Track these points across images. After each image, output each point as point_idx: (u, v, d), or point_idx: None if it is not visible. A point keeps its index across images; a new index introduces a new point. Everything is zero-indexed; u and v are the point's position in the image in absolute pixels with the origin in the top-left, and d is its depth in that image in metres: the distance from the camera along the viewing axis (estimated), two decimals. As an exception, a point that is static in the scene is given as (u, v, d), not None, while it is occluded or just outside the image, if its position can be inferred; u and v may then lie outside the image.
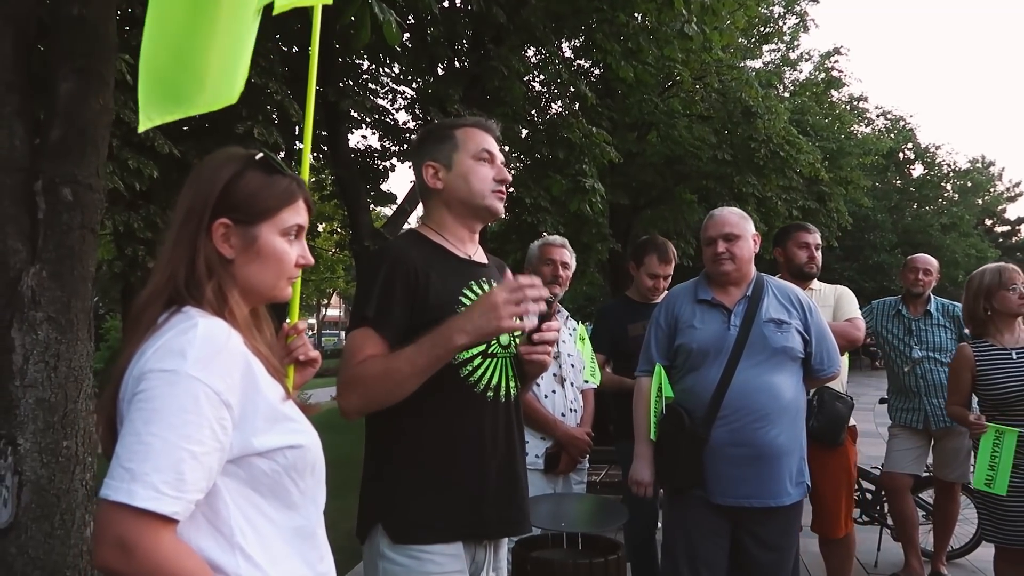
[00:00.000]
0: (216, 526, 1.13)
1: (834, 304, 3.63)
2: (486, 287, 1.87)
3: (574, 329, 3.46)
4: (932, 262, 4.49)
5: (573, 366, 3.34)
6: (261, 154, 1.27)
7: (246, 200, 1.23)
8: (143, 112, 1.65)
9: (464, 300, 1.80)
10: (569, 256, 3.43)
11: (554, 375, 3.23)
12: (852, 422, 3.53)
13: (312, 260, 1.34)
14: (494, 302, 1.59)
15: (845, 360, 3.67)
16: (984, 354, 3.30)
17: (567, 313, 3.54)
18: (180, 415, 1.05)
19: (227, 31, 1.66)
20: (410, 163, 2.05)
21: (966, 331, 4.23)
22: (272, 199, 1.25)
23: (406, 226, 8.37)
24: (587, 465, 3.46)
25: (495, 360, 1.83)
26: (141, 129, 1.67)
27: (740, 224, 2.84)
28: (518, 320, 1.61)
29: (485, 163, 1.88)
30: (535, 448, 3.13)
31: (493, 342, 1.84)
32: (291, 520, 1.21)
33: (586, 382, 3.42)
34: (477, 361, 1.79)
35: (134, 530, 1.02)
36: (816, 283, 3.75)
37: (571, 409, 3.26)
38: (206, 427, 1.07)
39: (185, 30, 1.66)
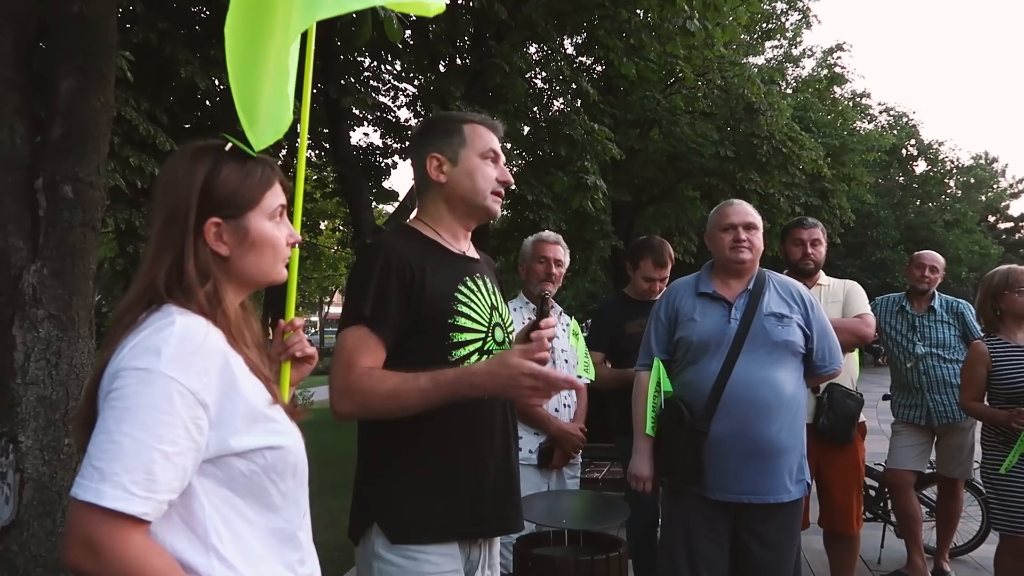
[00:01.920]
0: (191, 526, 1.11)
1: (843, 299, 3.61)
2: (480, 283, 1.86)
3: (567, 324, 3.45)
4: (939, 259, 4.48)
5: (567, 361, 3.33)
6: (230, 144, 1.26)
7: (230, 194, 1.22)
8: (251, 134, 1.63)
9: (459, 296, 1.78)
10: (563, 253, 3.42)
11: None
12: (861, 418, 3.52)
13: (300, 237, 1.34)
14: (521, 378, 1.56)
15: (856, 357, 3.65)
16: (998, 350, 3.36)
17: (560, 308, 3.53)
18: (153, 414, 1.04)
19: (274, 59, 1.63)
20: (409, 152, 2.00)
21: (975, 327, 4.24)
22: (254, 187, 1.24)
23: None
24: (579, 460, 3.46)
25: (490, 357, 1.82)
26: (258, 148, 1.59)
27: (757, 216, 2.87)
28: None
29: (490, 163, 1.86)
30: (528, 443, 3.13)
31: (489, 339, 1.83)
32: (270, 522, 1.19)
33: (579, 377, 3.42)
34: (474, 358, 1.78)
35: (102, 530, 1.00)
36: (825, 278, 3.74)
37: (565, 405, 3.26)
38: (180, 427, 1.05)
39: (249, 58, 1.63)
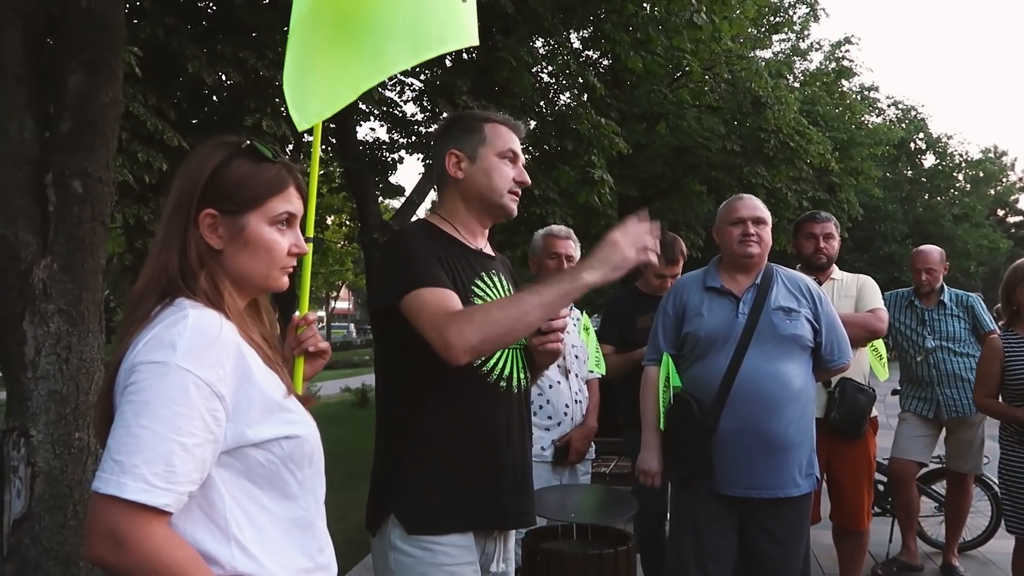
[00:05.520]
0: (211, 517, 1.12)
1: (856, 294, 3.60)
2: (495, 279, 1.88)
3: (578, 319, 3.45)
4: (932, 259, 4.35)
5: (577, 356, 3.33)
6: (248, 141, 1.26)
7: (232, 189, 1.21)
8: (296, 113, 1.67)
9: (476, 290, 1.80)
10: (574, 247, 3.41)
11: (558, 366, 3.22)
12: (872, 413, 3.51)
13: (306, 248, 1.32)
14: (614, 239, 1.66)
15: (868, 352, 3.64)
16: (1012, 345, 3.32)
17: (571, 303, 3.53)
18: (170, 407, 1.05)
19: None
20: (429, 151, 2.06)
21: (985, 319, 4.22)
22: (259, 187, 1.23)
23: (414, 218, 8.36)
24: (593, 456, 3.47)
25: (506, 351, 1.83)
26: (301, 129, 1.72)
27: (766, 211, 2.86)
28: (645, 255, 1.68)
29: (508, 162, 1.88)
30: (541, 440, 3.13)
31: None
32: (289, 511, 1.20)
33: (590, 372, 3.42)
34: None
35: (125, 522, 1.01)
36: (838, 272, 3.72)
37: (576, 400, 3.26)
38: (197, 419, 1.06)
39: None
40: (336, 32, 1.70)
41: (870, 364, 3.68)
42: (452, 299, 1.69)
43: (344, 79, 1.70)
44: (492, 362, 1.80)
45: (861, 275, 3.77)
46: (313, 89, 1.68)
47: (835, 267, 3.74)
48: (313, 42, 1.67)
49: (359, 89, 1.71)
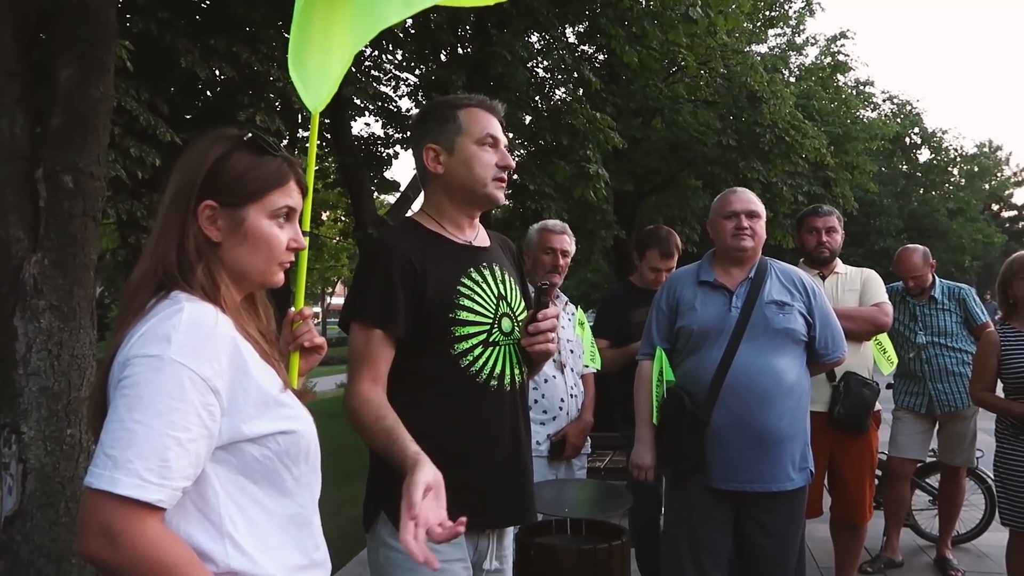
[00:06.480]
0: (205, 514, 1.11)
1: (860, 288, 3.60)
2: (486, 272, 1.84)
3: (572, 314, 3.45)
4: (915, 264, 4.27)
5: (572, 351, 3.33)
6: (250, 134, 1.25)
7: (233, 182, 1.20)
8: (308, 97, 1.65)
9: (462, 289, 1.77)
10: (569, 242, 3.40)
11: (554, 360, 3.22)
12: (876, 407, 3.51)
13: (304, 243, 1.31)
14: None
15: (872, 345, 3.65)
16: (1009, 339, 3.32)
17: (566, 298, 3.53)
18: (164, 401, 1.03)
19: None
20: (409, 144, 1.99)
21: (977, 312, 4.22)
22: (259, 181, 1.22)
23: (409, 213, 8.35)
24: (589, 450, 3.47)
25: (497, 348, 1.80)
26: (316, 111, 1.67)
27: (760, 205, 2.86)
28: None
29: (488, 148, 1.81)
30: (536, 435, 3.13)
31: (495, 330, 1.81)
32: (285, 507, 1.19)
33: (586, 367, 3.42)
34: (478, 351, 1.76)
35: (118, 518, 1.00)
36: (841, 266, 3.72)
37: (571, 395, 3.26)
38: (192, 413, 1.05)
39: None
40: (331, 6, 1.67)
41: (874, 358, 3.68)
42: (380, 349, 1.70)
43: (340, 47, 1.67)
44: (482, 361, 1.77)
45: (865, 269, 3.75)
46: (316, 67, 1.66)
47: (838, 261, 3.73)
48: (312, 24, 1.65)
49: (353, 51, 1.69)
